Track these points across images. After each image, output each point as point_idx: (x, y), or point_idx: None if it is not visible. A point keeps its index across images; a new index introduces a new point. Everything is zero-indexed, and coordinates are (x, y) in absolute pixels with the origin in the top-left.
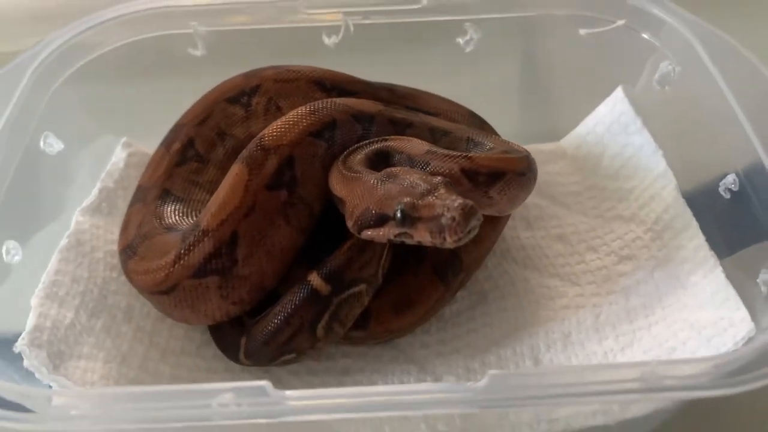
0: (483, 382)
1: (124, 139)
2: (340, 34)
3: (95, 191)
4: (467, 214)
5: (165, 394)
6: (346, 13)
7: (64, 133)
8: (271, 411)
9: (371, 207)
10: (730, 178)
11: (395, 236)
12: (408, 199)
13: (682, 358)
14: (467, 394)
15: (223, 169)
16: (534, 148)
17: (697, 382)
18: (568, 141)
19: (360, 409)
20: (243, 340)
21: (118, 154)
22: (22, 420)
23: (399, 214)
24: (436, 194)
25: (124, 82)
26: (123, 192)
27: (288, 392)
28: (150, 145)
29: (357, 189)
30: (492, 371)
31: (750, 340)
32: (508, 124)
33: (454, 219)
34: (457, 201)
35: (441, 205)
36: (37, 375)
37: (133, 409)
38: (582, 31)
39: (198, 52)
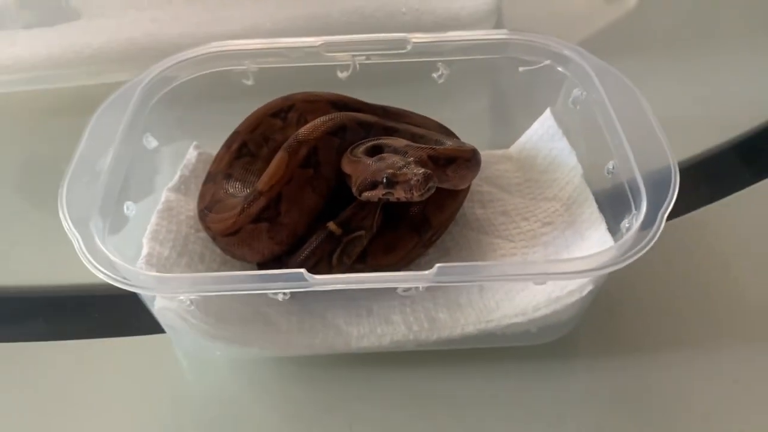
0: (434, 270)
1: (194, 143)
2: (350, 70)
3: (177, 177)
4: (426, 178)
5: (236, 277)
6: (354, 55)
7: (157, 135)
8: (306, 285)
9: (367, 177)
10: (611, 164)
11: (383, 195)
12: (390, 170)
13: (561, 259)
14: (424, 276)
15: (267, 162)
16: (489, 153)
17: (571, 271)
18: (514, 148)
19: (361, 282)
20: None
21: (191, 152)
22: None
23: (385, 180)
24: (408, 167)
25: (198, 102)
26: (195, 179)
27: (316, 276)
28: (213, 146)
29: (359, 167)
30: (438, 264)
31: None
32: (470, 136)
33: (418, 180)
34: (420, 170)
35: (411, 173)
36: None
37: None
38: (520, 69)
39: (249, 83)
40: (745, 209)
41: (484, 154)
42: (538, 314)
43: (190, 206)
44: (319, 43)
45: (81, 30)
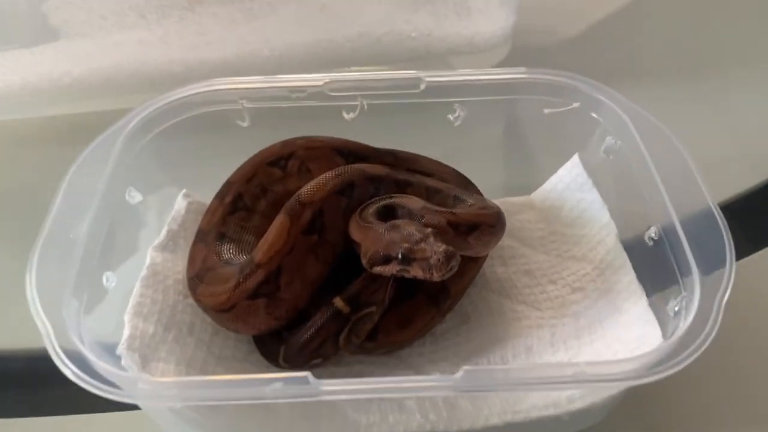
0: (459, 375)
1: (183, 191)
2: (357, 111)
3: (164, 232)
4: (448, 257)
5: (233, 381)
6: (362, 96)
7: (142, 186)
8: (311, 392)
9: (380, 250)
10: (653, 230)
11: (397, 272)
12: (407, 245)
13: (601, 361)
14: (448, 383)
15: (266, 217)
16: (508, 201)
17: (616, 376)
18: (536, 195)
19: (371, 392)
20: (282, 348)
21: (180, 202)
22: (116, 393)
23: (400, 256)
24: (427, 242)
25: (189, 144)
26: (184, 233)
27: (323, 380)
28: (206, 193)
29: (369, 235)
30: (466, 366)
31: None
32: (489, 181)
33: (439, 260)
34: (441, 247)
35: (430, 250)
36: (129, 371)
37: (204, 392)
38: (546, 111)
39: (245, 124)
40: None
41: (504, 201)
42: (573, 407)
43: (178, 267)
44: (323, 81)
45: (60, 54)
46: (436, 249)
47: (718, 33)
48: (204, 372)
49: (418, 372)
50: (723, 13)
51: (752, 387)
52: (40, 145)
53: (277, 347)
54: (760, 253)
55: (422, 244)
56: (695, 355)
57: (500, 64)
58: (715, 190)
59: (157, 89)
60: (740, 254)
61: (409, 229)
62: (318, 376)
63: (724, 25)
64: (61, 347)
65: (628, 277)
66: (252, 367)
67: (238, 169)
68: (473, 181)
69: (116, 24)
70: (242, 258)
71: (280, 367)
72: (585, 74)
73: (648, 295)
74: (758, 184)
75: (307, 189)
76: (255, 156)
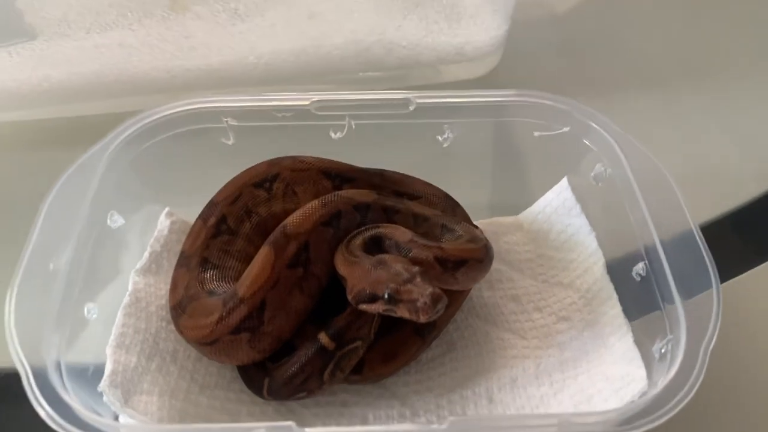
0: (444, 426)
1: (166, 210)
2: (345, 131)
3: (146, 255)
4: (435, 300)
5: (217, 429)
6: (350, 116)
7: (123, 209)
8: None
9: (366, 288)
10: (641, 266)
11: (383, 311)
12: (393, 285)
13: (586, 411)
14: None
15: (250, 241)
16: (496, 221)
17: (599, 427)
18: (524, 216)
19: None
20: (266, 381)
21: (163, 222)
22: None
23: (386, 296)
24: (414, 282)
25: (172, 163)
26: (167, 254)
27: (307, 429)
28: (189, 212)
29: (356, 272)
30: (451, 417)
31: (643, 394)
32: (477, 200)
33: (426, 303)
34: (428, 290)
35: (417, 292)
36: (112, 408)
37: None
38: (536, 134)
39: (229, 142)
40: None
41: (491, 222)
42: None
43: (161, 291)
44: (310, 100)
45: (39, 56)
46: (423, 291)
47: (714, 39)
48: (188, 401)
49: (402, 402)
50: (718, 18)
51: (745, 423)
52: (19, 150)
53: (261, 379)
54: (756, 269)
55: (409, 285)
56: (679, 407)
57: (490, 74)
58: (707, 203)
59: (139, 94)
60: (738, 270)
61: (396, 267)
62: (302, 407)
63: (719, 34)
64: (39, 387)
65: (614, 310)
66: (235, 395)
67: (223, 189)
68: (461, 201)
69: (95, 23)
70: (225, 286)
71: (264, 399)
72: (575, 83)
73: (633, 327)
74: (757, 196)
75: (293, 220)
76: (240, 176)
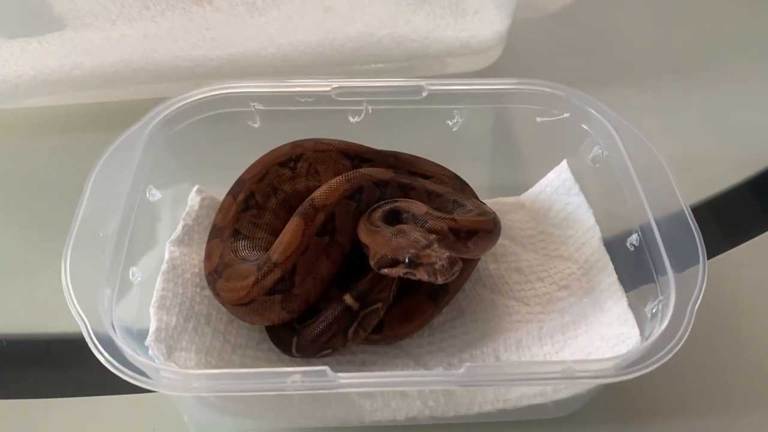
0: (462, 371)
1: (197, 187)
2: (362, 115)
3: (179, 227)
4: (452, 263)
5: (256, 374)
6: (367, 101)
7: (160, 184)
8: (329, 385)
9: (388, 254)
10: (634, 237)
11: (404, 274)
12: (413, 250)
13: (588, 359)
14: (451, 378)
15: (276, 215)
16: (500, 201)
17: (598, 373)
18: (526, 196)
19: (383, 385)
20: (294, 339)
21: (193, 198)
22: (148, 383)
23: (407, 260)
24: (432, 248)
25: (202, 143)
26: (198, 227)
27: (340, 374)
28: (218, 189)
29: (378, 239)
30: (468, 363)
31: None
32: (483, 182)
33: (443, 266)
34: (446, 254)
35: (435, 256)
36: (156, 361)
37: (229, 383)
38: (538, 119)
39: (256, 125)
40: (765, 257)
41: (496, 201)
42: (558, 396)
43: (194, 260)
44: (331, 87)
45: (69, 45)
46: (440, 255)
47: (703, 35)
48: (221, 359)
49: (417, 361)
50: (707, 15)
51: (728, 375)
52: (55, 133)
53: (290, 338)
54: (738, 248)
55: (428, 250)
56: (669, 356)
57: (493, 66)
58: (696, 188)
59: (164, 81)
60: (721, 249)
61: (415, 234)
62: (326, 365)
63: (709, 26)
64: (97, 336)
65: (610, 278)
66: (264, 355)
67: (250, 168)
68: (468, 181)
69: (120, 15)
70: (256, 254)
71: (292, 356)
72: (574, 75)
73: (628, 296)
74: (738, 182)
75: (320, 193)
76: (266, 156)
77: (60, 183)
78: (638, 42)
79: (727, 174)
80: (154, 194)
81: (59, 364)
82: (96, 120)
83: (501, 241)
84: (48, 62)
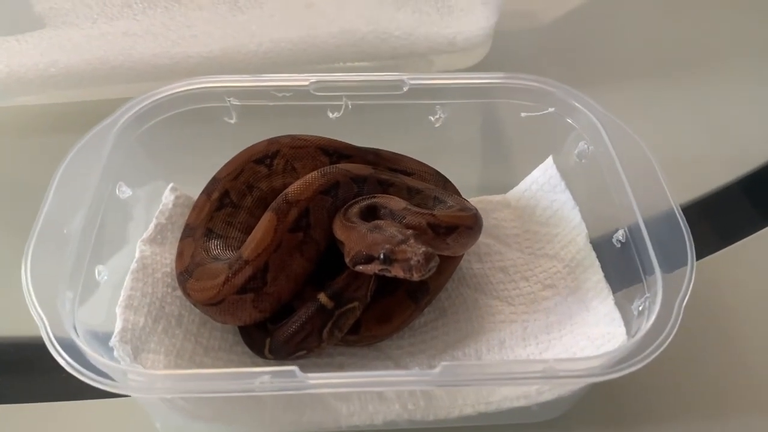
0: (437, 370)
1: (171, 185)
2: (341, 111)
3: (152, 226)
4: (428, 258)
5: (222, 374)
6: (347, 96)
7: (131, 181)
8: (298, 386)
9: (362, 250)
10: (620, 233)
11: (379, 271)
12: (388, 246)
13: (569, 358)
14: (427, 378)
15: (251, 214)
16: (485, 199)
17: (582, 372)
18: (512, 194)
19: (355, 385)
20: (268, 341)
21: (167, 196)
22: (111, 385)
23: (382, 256)
24: (407, 243)
25: (176, 140)
26: (172, 226)
27: (309, 374)
28: (193, 187)
29: (353, 235)
30: (444, 362)
31: None
32: (467, 179)
33: (419, 262)
34: (422, 249)
35: (411, 252)
36: (121, 363)
37: (194, 384)
38: (522, 114)
39: (232, 120)
40: (756, 257)
41: (481, 200)
42: (541, 398)
43: (166, 260)
44: (309, 81)
45: (46, 43)
46: (416, 251)
47: (693, 35)
48: (192, 362)
49: (397, 363)
50: (699, 13)
51: (713, 378)
52: (27, 134)
53: (263, 339)
54: (729, 248)
55: (403, 246)
56: (655, 354)
57: (479, 64)
58: (686, 188)
59: (143, 80)
60: (711, 250)
61: (391, 230)
62: (302, 368)
63: (700, 24)
64: (57, 338)
65: (596, 276)
66: (237, 357)
67: (225, 166)
68: (451, 180)
69: (102, 14)
70: (229, 254)
71: (265, 358)
72: (561, 74)
73: (614, 294)
74: (728, 182)
75: (294, 188)
76: (242, 153)
77: (31, 184)
78: (628, 42)
79: (717, 173)
80: (125, 191)
81: (25, 369)
82: (71, 120)
83: (485, 240)
84: (23, 60)
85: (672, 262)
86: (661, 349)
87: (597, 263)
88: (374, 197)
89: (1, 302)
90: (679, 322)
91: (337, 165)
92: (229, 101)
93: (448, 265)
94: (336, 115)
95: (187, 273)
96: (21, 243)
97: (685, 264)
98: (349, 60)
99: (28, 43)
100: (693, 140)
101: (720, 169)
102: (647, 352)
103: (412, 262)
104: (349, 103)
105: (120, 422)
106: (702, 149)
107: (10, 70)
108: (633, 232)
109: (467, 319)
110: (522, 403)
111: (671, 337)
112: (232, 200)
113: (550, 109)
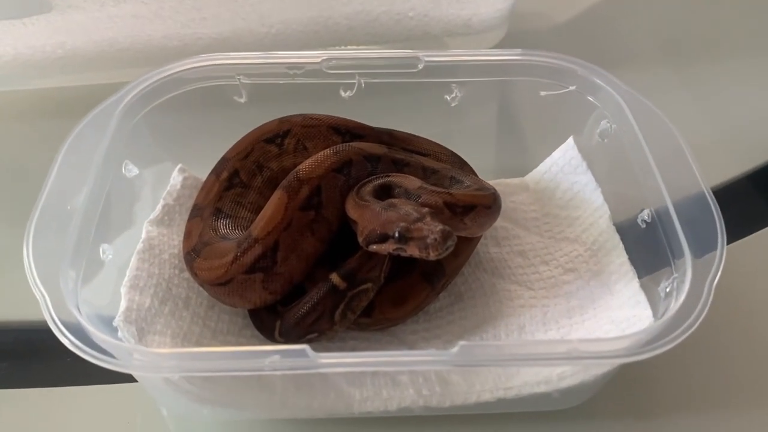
0: (455, 349)
1: (179, 166)
2: (354, 89)
3: (159, 207)
4: (445, 236)
5: (231, 353)
6: (360, 74)
7: (138, 160)
8: (309, 365)
9: (377, 228)
10: (646, 213)
11: (393, 250)
12: (404, 224)
13: (594, 339)
14: (444, 358)
15: (261, 194)
16: (503, 182)
17: (607, 354)
18: (530, 177)
19: (367, 365)
20: (278, 323)
21: (175, 177)
22: (114, 364)
23: (397, 235)
24: (424, 221)
25: (185, 119)
26: (179, 207)
27: (321, 353)
28: (201, 168)
29: (366, 214)
30: (461, 342)
31: None
32: (484, 162)
33: (435, 240)
34: (439, 227)
35: (427, 230)
36: (126, 343)
37: (201, 363)
38: (542, 93)
39: (242, 99)
40: None
41: (498, 183)
42: (563, 384)
43: (174, 241)
44: (321, 58)
45: (53, 26)
46: (433, 228)
47: (714, 20)
48: (200, 345)
49: (411, 348)
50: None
51: (739, 369)
52: (34, 117)
53: (273, 322)
54: (748, 237)
55: (419, 224)
56: (686, 335)
57: (496, 47)
58: (706, 175)
59: (152, 63)
60: (730, 239)
61: (406, 208)
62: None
63: (720, 12)
64: (59, 317)
65: (620, 259)
66: (247, 341)
67: (235, 146)
68: (469, 161)
69: None
70: (238, 233)
71: (276, 342)
72: (581, 58)
73: (640, 277)
74: (748, 170)
75: (306, 166)
76: (252, 132)
77: (39, 168)
78: (650, 27)
79: (730, 166)
80: (131, 170)
81: (29, 354)
82: (80, 103)
83: (503, 224)
84: (30, 43)
85: (700, 244)
86: (692, 329)
87: (621, 245)
88: (388, 176)
89: (2, 287)
90: (710, 302)
91: (351, 143)
92: (239, 79)
93: (464, 247)
94: (349, 93)
95: (194, 252)
96: (24, 229)
97: (715, 244)
98: (362, 42)
99: (35, 25)
100: (712, 127)
101: (733, 162)
102: (677, 332)
103: (428, 240)
104: (362, 81)
105: (125, 408)
106: (721, 136)
107: (17, 53)
108: (659, 211)
109: (485, 303)
110: (543, 389)
111: (702, 317)
112: (241, 180)
113: (571, 88)
